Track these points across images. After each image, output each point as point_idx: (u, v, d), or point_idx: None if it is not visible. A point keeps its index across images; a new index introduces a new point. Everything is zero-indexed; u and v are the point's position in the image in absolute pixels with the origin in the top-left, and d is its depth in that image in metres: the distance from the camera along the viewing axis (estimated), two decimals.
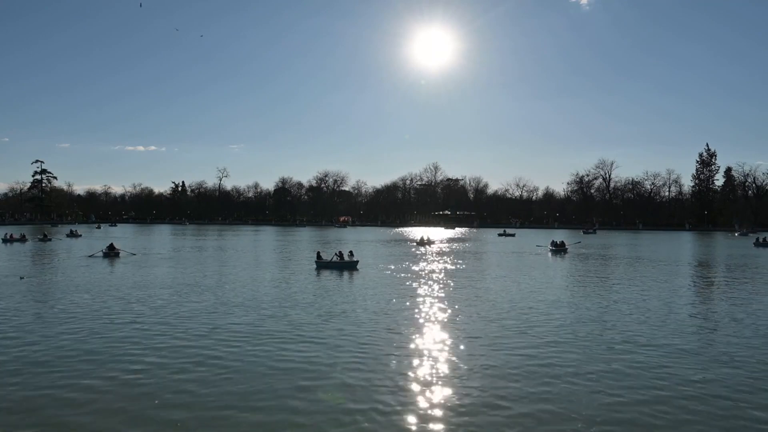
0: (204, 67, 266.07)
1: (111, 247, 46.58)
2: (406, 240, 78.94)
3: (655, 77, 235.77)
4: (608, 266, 40.41)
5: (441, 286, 27.75)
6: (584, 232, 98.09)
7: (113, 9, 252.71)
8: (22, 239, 68.26)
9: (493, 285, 28.42)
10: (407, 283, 28.62)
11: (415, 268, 37.10)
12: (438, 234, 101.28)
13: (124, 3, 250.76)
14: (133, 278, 30.18)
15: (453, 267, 38.06)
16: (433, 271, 34.77)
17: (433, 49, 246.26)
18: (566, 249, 55.62)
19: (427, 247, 61.56)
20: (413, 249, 58.58)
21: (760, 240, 68.85)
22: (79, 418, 9.94)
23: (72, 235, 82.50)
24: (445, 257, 47.15)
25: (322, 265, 36.37)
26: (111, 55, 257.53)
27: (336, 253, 37.70)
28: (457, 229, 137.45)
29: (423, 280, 29.95)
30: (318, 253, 38.94)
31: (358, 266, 35.93)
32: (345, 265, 35.67)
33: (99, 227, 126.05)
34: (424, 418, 9.98)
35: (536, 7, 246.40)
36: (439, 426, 9.73)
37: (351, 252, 37.90)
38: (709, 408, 10.55)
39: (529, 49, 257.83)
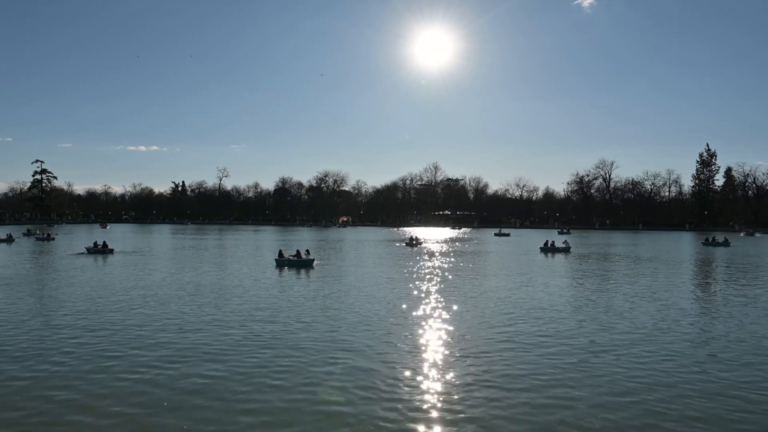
0: (204, 67, 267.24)
1: (103, 244, 46.90)
2: (398, 240, 78.74)
3: (655, 77, 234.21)
4: (585, 263, 40.17)
5: (390, 284, 27.68)
6: (559, 233, 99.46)
7: (113, 9, 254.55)
8: (9, 239, 67.45)
9: (467, 284, 28.34)
10: (359, 281, 28.57)
11: (377, 267, 37.07)
12: (433, 234, 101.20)
13: (124, 3, 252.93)
14: (138, 278, 30.15)
15: (416, 266, 37.90)
16: (393, 270, 34.72)
17: (433, 49, 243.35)
18: (563, 249, 54.93)
19: (414, 247, 61.06)
20: (400, 249, 58.23)
21: (710, 240, 70.68)
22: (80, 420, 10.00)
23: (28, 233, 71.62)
24: (423, 256, 46.89)
25: (281, 262, 36.61)
26: (112, 55, 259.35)
27: (295, 252, 37.93)
28: (462, 228, 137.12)
29: (372, 278, 29.88)
30: (280, 251, 39.09)
31: (314, 264, 36.18)
32: (302, 263, 35.94)
33: (105, 227, 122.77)
34: (422, 416, 10.04)
35: (537, 8, 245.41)
36: (437, 424, 9.73)
37: (308, 251, 38.09)
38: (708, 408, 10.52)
39: (529, 49, 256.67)
